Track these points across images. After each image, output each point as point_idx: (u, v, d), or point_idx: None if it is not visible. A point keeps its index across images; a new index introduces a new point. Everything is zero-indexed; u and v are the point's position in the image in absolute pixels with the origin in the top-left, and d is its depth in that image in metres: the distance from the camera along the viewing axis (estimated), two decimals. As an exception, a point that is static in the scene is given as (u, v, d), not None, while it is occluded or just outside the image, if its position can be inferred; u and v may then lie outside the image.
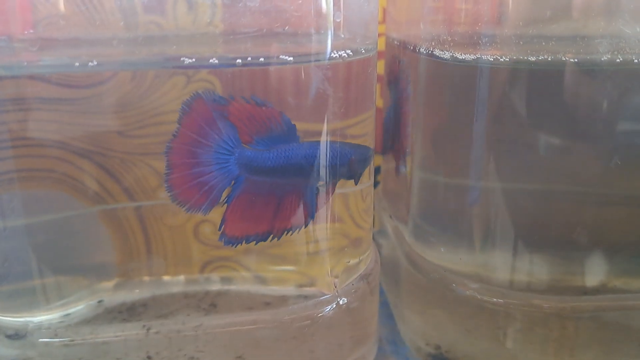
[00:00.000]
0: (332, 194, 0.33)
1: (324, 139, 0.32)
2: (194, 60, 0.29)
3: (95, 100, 0.29)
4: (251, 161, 0.30)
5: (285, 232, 0.32)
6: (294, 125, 0.31)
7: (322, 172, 0.32)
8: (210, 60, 0.29)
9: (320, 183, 0.32)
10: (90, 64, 0.28)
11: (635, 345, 0.35)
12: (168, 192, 0.31)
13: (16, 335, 0.30)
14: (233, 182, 0.31)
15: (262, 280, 0.34)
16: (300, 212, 0.32)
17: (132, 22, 0.29)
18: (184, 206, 0.31)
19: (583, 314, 0.34)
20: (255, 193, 0.31)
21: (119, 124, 0.30)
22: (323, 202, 0.33)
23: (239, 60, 0.29)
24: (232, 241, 0.32)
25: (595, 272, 0.35)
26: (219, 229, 0.31)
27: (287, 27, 0.30)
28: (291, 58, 0.30)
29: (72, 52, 0.29)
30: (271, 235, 0.32)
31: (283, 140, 0.31)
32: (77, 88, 0.29)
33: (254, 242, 0.32)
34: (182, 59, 0.29)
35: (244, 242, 0.32)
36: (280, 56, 0.30)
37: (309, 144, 0.31)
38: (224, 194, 0.31)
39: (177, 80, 0.30)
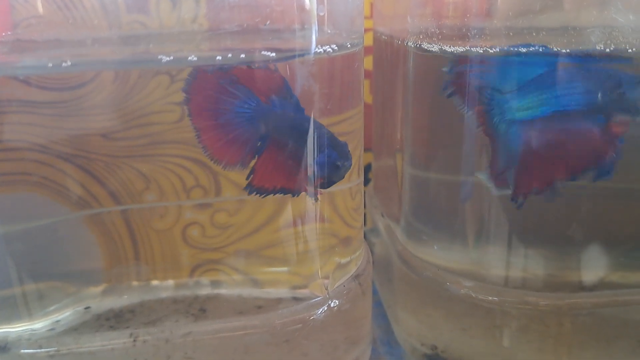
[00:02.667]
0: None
1: (311, 136, 0.31)
2: (172, 58, 0.29)
3: (77, 102, 0.29)
4: (275, 115, 0.31)
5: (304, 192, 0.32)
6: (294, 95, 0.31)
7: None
8: (191, 58, 0.29)
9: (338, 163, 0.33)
10: (65, 64, 0.28)
11: (634, 341, 0.35)
12: (204, 152, 0.30)
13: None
14: (260, 139, 0.31)
15: (253, 283, 0.34)
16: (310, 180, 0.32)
17: (115, 22, 0.29)
18: (220, 163, 0.31)
19: (580, 310, 0.34)
20: (281, 151, 0.31)
21: (102, 126, 0.30)
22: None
23: (219, 57, 0.29)
24: (260, 191, 0.32)
25: (591, 267, 0.35)
26: (247, 179, 0.31)
27: (269, 22, 0.30)
28: (274, 54, 0.30)
29: (54, 53, 0.28)
30: (295, 193, 0.32)
31: (291, 107, 0.31)
32: (58, 91, 0.29)
33: (281, 194, 0.32)
34: (159, 56, 0.28)
35: (271, 194, 0.32)
36: (264, 52, 0.29)
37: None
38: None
39: (160, 79, 0.30)
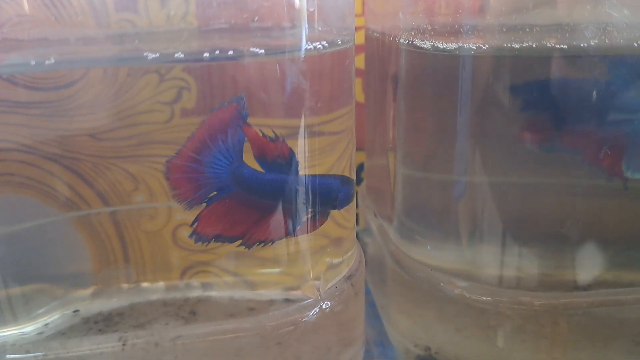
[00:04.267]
0: (321, 224, 0.33)
1: (301, 135, 0.31)
2: (158, 55, 0.28)
3: (65, 102, 0.29)
4: (245, 179, 0.31)
5: (258, 242, 0.32)
6: (298, 161, 0.31)
7: (312, 202, 0.32)
8: (178, 55, 0.29)
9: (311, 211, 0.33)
10: (50, 62, 0.28)
11: (629, 341, 0.35)
12: (165, 172, 0.30)
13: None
14: (218, 189, 0.31)
15: (244, 284, 0.34)
16: (278, 229, 0.32)
17: (104, 21, 0.29)
18: (172, 191, 0.30)
19: (575, 310, 0.34)
20: (238, 203, 0.31)
21: (90, 126, 0.30)
22: (308, 227, 0.33)
23: (206, 55, 0.29)
24: (202, 239, 0.31)
25: (586, 266, 0.35)
26: (191, 225, 0.31)
27: (257, 18, 0.29)
28: (263, 51, 0.29)
29: (41, 52, 0.28)
30: (241, 242, 0.32)
31: (283, 169, 0.31)
32: (45, 90, 0.29)
33: (224, 242, 0.32)
34: (145, 53, 0.28)
35: (212, 241, 0.32)
36: (254, 50, 0.29)
37: (305, 177, 0.32)
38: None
39: (149, 78, 0.30)
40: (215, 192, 0.30)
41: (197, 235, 0.31)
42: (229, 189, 0.30)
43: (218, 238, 0.31)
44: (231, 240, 0.32)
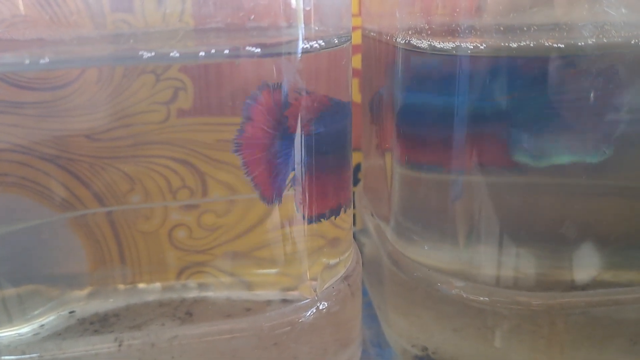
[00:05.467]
0: None
1: (298, 135, 0.31)
2: (153, 54, 0.28)
3: (61, 103, 0.29)
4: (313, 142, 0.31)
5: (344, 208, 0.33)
6: (341, 101, 0.32)
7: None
8: (173, 54, 0.29)
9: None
10: (44, 62, 0.28)
11: (626, 341, 0.35)
12: (256, 190, 0.31)
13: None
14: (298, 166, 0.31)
15: (241, 285, 0.34)
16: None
17: (100, 21, 0.29)
18: (269, 203, 0.31)
19: (572, 310, 0.34)
20: (321, 172, 0.32)
21: (86, 127, 0.29)
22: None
23: (202, 54, 0.29)
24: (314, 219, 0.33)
25: (584, 266, 0.35)
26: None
27: (254, 17, 0.29)
28: (259, 50, 0.29)
29: (36, 53, 0.28)
30: (342, 208, 0.34)
31: (336, 120, 0.32)
32: (42, 91, 0.29)
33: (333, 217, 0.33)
34: (140, 52, 0.28)
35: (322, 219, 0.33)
36: (250, 49, 0.29)
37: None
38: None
39: (145, 79, 0.30)
40: (292, 171, 0.31)
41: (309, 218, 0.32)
42: (307, 162, 0.31)
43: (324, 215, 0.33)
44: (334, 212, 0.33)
